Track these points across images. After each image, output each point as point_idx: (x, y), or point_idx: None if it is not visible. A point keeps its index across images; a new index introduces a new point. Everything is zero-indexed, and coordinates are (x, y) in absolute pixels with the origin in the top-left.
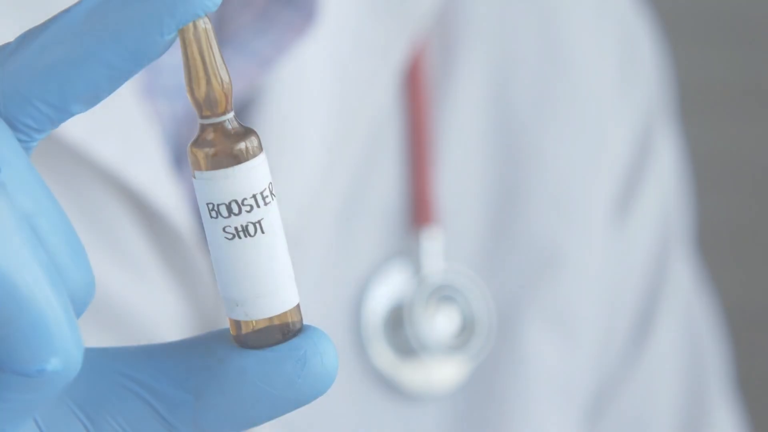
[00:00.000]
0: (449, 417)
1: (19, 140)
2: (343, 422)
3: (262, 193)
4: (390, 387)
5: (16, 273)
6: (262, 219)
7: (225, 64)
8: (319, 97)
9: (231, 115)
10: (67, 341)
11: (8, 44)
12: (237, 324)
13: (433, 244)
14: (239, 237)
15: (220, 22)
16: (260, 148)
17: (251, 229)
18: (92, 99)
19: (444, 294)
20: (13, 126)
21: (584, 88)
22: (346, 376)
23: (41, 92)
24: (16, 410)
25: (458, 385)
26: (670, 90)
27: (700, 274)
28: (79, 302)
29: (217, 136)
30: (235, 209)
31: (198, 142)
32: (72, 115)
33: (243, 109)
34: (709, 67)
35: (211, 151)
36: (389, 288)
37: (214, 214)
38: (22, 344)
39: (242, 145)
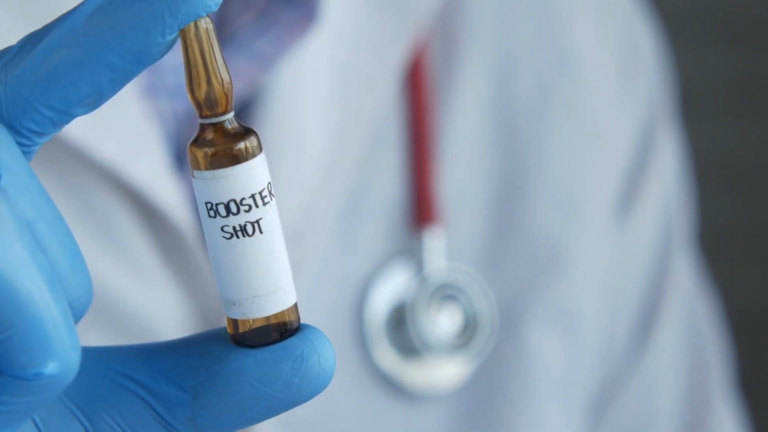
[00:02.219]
0: (452, 416)
1: (22, 144)
2: (346, 422)
3: (260, 193)
4: (393, 386)
5: (16, 278)
6: (260, 219)
7: (226, 64)
8: (319, 97)
9: (231, 115)
10: (65, 345)
11: (10, 48)
12: (234, 323)
13: (435, 243)
14: (237, 237)
15: (221, 21)
16: (260, 149)
17: (249, 228)
18: (95, 101)
19: (446, 293)
20: (15, 130)
21: (586, 86)
22: (348, 376)
23: (44, 96)
24: (14, 413)
25: (461, 384)
26: (671, 89)
27: (701, 273)
28: (78, 308)
29: (216, 135)
30: (234, 209)
31: (197, 142)
32: (74, 117)
33: (244, 109)
34: (709, 67)
35: (210, 150)
36: (391, 287)
37: (212, 213)
38: (21, 348)
39: (241, 145)
